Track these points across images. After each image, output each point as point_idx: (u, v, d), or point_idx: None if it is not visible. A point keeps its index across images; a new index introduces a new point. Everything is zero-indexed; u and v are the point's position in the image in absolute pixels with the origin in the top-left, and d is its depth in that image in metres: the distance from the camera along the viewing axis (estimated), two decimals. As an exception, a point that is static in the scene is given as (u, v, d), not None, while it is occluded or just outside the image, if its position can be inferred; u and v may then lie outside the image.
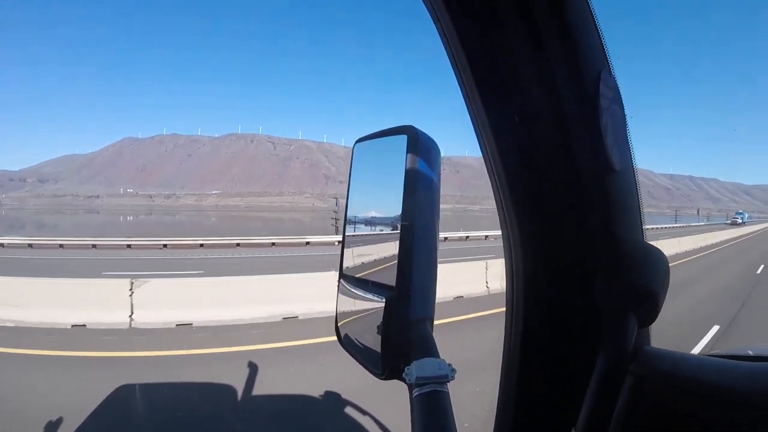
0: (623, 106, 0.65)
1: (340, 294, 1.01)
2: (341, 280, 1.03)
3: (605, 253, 0.66)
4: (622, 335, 0.62)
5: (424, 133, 0.81)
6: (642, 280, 0.63)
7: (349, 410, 5.09)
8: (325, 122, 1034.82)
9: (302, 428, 5.28)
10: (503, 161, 0.71)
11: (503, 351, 0.81)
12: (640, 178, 0.73)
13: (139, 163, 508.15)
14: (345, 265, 1.03)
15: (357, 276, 1.00)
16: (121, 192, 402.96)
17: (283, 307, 9.84)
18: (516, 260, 0.74)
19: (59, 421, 4.61)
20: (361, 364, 0.90)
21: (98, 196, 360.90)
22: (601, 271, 0.65)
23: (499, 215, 0.76)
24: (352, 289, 0.99)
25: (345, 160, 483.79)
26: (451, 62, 0.73)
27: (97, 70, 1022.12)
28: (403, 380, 0.79)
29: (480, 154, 0.75)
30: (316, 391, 5.95)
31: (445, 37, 0.71)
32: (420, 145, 0.81)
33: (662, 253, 0.65)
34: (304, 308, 9.82)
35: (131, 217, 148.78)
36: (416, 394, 0.76)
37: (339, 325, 1.01)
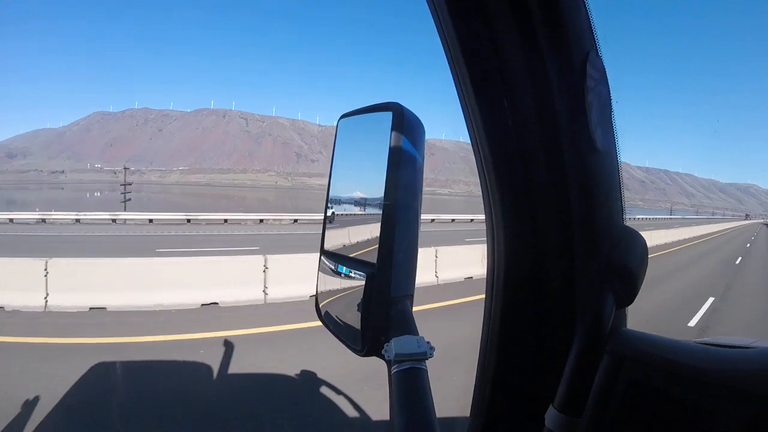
0: (609, 88, 0.67)
1: (320, 272, 1.04)
2: (322, 257, 1.05)
3: (585, 232, 0.68)
4: (599, 313, 0.65)
5: (409, 110, 0.82)
6: (620, 259, 0.66)
7: (324, 390, 5.18)
8: (299, 99, 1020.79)
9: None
10: (489, 141, 0.73)
11: (482, 331, 0.84)
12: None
13: (108, 137, 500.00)
14: (326, 242, 1.04)
15: (338, 253, 1.02)
16: (88, 167, 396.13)
17: (205, 293, 9.20)
18: (498, 242, 0.77)
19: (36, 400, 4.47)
20: (341, 341, 0.93)
21: (62, 172, 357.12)
22: (581, 251, 0.68)
23: (483, 197, 0.80)
24: (333, 267, 1.02)
25: (318, 138, 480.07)
26: (440, 37, 0.74)
27: (70, 42, 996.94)
28: (383, 357, 0.84)
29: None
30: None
31: (435, 12, 0.72)
32: (405, 122, 0.82)
33: (640, 235, 0.68)
34: (226, 295, 9.28)
35: (88, 194, 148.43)
36: (395, 370, 0.79)
37: (319, 302, 1.04)
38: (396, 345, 0.76)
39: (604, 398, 0.62)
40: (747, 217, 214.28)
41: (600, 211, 0.66)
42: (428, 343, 0.77)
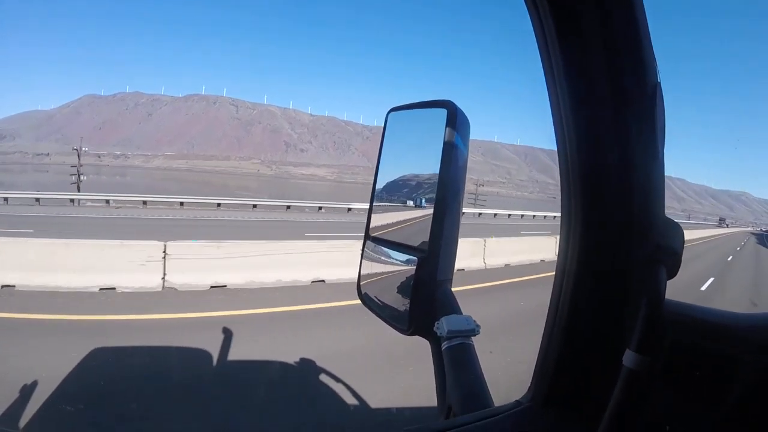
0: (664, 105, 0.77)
1: (363, 257, 1.14)
2: (367, 242, 1.14)
3: (643, 221, 0.80)
4: (656, 283, 0.74)
5: (460, 109, 0.92)
6: (669, 241, 0.77)
7: (323, 377, 5.25)
8: (292, 88, 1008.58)
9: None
10: (578, 149, 0.82)
11: (549, 312, 0.91)
12: None
13: (98, 121, 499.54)
14: (371, 228, 1.13)
15: (385, 239, 1.11)
16: (73, 150, 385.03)
17: (105, 277, 8.82)
18: (574, 230, 0.86)
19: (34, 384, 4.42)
20: (384, 321, 1.03)
21: (48, 154, 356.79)
22: (639, 236, 0.80)
23: (562, 193, 0.88)
24: (377, 251, 1.11)
25: (309, 128, 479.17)
26: (543, 61, 0.83)
27: (61, 22, 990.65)
28: (426, 336, 0.97)
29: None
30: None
31: (542, 35, 0.81)
32: (458, 120, 0.92)
33: (678, 224, 0.79)
34: (126, 280, 8.94)
35: (73, 177, 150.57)
36: (446, 346, 0.91)
37: (361, 285, 1.13)
38: (447, 323, 0.91)
39: (658, 351, 0.74)
40: (721, 222, 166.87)
41: (654, 206, 0.80)
42: (475, 321, 0.93)
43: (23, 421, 3.92)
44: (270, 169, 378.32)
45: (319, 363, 5.97)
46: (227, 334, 6.81)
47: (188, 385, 5.25)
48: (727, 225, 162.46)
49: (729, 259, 29.37)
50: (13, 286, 8.37)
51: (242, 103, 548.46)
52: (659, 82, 0.76)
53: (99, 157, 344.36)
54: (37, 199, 31.67)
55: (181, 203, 34.67)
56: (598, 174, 0.82)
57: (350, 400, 4.59)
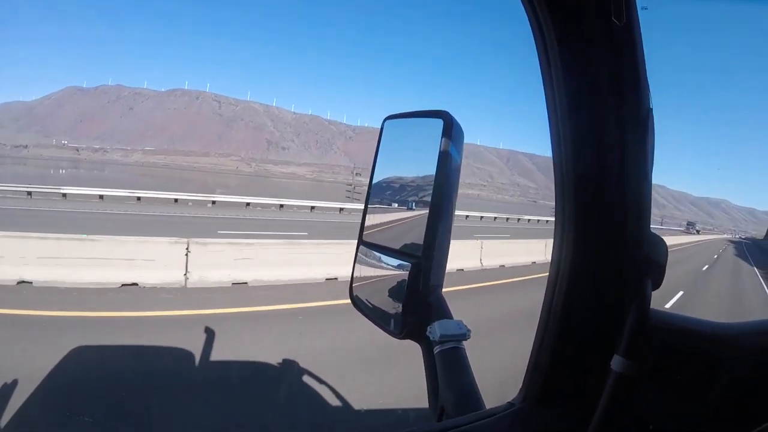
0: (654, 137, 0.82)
1: (356, 260, 1.16)
2: (360, 247, 1.16)
3: (633, 236, 0.84)
4: (644, 294, 0.80)
5: (456, 120, 0.95)
6: (654, 256, 0.82)
7: (307, 379, 5.23)
8: (275, 86, 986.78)
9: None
10: (574, 163, 0.86)
11: (541, 314, 0.96)
12: None
13: (79, 113, 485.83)
14: (364, 233, 1.15)
15: (378, 244, 1.13)
16: (54, 143, 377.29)
17: (128, 273, 9.13)
18: (567, 240, 0.89)
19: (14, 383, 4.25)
20: (376, 324, 1.06)
21: (26, 147, 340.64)
22: (629, 250, 0.84)
23: (556, 203, 0.91)
24: (370, 256, 1.13)
25: (292, 126, 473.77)
26: (544, 80, 0.87)
27: (46, 13, 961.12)
28: (418, 340, 1.00)
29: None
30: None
31: (545, 56, 0.85)
32: (453, 130, 0.95)
33: (662, 239, 0.84)
34: (148, 276, 9.28)
35: (52, 171, 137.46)
36: (438, 350, 0.94)
37: (354, 288, 1.15)
38: (439, 327, 0.94)
39: (645, 355, 0.81)
40: (689, 228, 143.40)
41: (643, 222, 0.84)
42: (466, 326, 0.96)
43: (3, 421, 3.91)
44: (249, 166, 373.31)
45: (328, 354, 6.56)
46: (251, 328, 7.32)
47: (177, 385, 5.40)
48: (697, 231, 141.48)
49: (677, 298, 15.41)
50: (31, 282, 8.57)
51: (225, 99, 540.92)
52: (651, 109, 0.82)
53: (77, 150, 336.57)
54: (29, 193, 31.27)
55: (138, 198, 34.86)
56: (594, 189, 0.89)
57: (336, 402, 4.65)
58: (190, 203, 36.10)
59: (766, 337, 0.85)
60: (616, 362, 0.80)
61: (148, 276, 9.35)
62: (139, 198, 34.67)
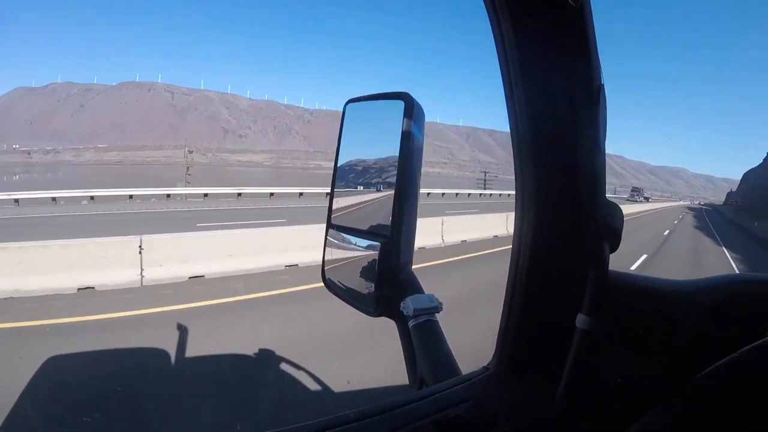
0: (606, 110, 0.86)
1: (326, 244, 1.18)
2: (329, 231, 1.18)
3: (589, 203, 0.88)
4: (602, 257, 0.84)
5: (416, 100, 0.97)
6: (610, 221, 0.86)
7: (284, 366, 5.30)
8: (230, 72, 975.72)
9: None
10: (530, 135, 0.90)
11: (508, 282, 1.00)
12: None
13: (29, 115, 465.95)
14: (333, 216, 1.18)
15: (346, 226, 1.16)
16: (5, 147, 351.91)
17: (82, 277, 8.97)
18: (527, 209, 0.94)
19: None
20: (351, 305, 1.08)
21: None
22: (587, 216, 0.88)
23: (515, 173, 0.94)
24: (339, 238, 1.16)
25: (248, 113, 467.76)
26: (498, 53, 0.89)
27: None
28: (392, 316, 1.04)
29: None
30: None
31: (499, 30, 0.87)
32: (415, 110, 0.97)
33: (618, 205, 0.88)
34: (103, 278, 9.14)
35: (6, 177, 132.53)
36: (413, 324, 0.98)
37: (326, 272, 1.18)
38: (412, 302, 0.98)
39: (607, 313, 0.84)
40: (636, 195, 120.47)
41: (598, 190, 0.88)
42: (437, 299, 1.00)
43: None
44: (205, 157, 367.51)
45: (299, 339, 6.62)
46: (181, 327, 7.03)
47: (158, 382, 5.48)
48: (647, 198, 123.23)
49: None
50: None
51: (178, 89, 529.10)
52: (603, 84, 0.85)
53: (29, 154, 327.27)
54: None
55: (92, 197, 34.12)
56: (549, 160, 0.92)
57: (315, 386, 4.77)
58: (153, 199, 35.43)
59: (718, 291, 0.91)
60: (580, 320, 0.84)
61: (104, 278, 9.14)
62: (92, 197, 33.96)
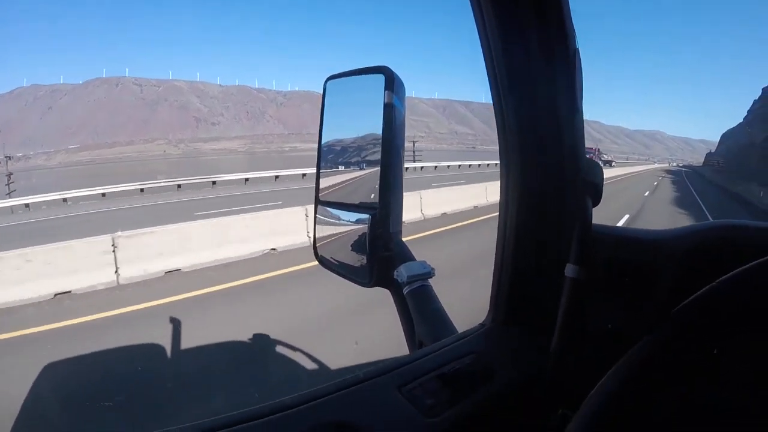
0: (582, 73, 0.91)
1: (316, 221, 1.21)
2: (318, 207, 1.21)
3: (571, 161, 0.94)
4: (585, 211, 0.87)
5: (396, 73, 0.99)
6: (591, 177, 0.90)
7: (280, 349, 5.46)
8: (198, 59, 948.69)
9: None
10: (513, 101, 0.96)
11: (497, 241, 1.06)
12: None
13: None
14: (320, 193, 1.20)
15: (334, 201, 1.19)
16: None
17: (57, 282, 8.88)
18: (512, 175, 0.99)
19: None
20: (345, 278, 1.11)
21: None
22: (570, 173, 0.95)
23: (499, 144, 1.00)
24: (328, 214, 1.19)
25: (219, 99, 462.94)
26: (477, 23, 0.93)
27: None
28: (386, 285, 1.07)
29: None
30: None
31: (480, 13, 0.91)
32: (395, 83, 1.00)
33: (597, 163, 0.93)
34: (78, 281, 9.06)
35: None
36: (408, 290, 1.02)
37: (318, 248, 1.21)
38: (406, 269, 1.01)
39: (593, 262, 0.88)
40: (597, 153, 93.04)
41: (579, 149, 0.94)
42: (429, 264, 1.03)
43: None
44: (177, 148, 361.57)
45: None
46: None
47: (162, 376, 5.59)
48: (611, 164, 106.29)
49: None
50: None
51: (146, 82, 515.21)
52: (578, 49, 0.89)
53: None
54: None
55: (64, 199, 33.53)
56: (531, 122, 0.97)
57: (312, 365, 4.83)
58: (144, 190, 35.60)
59: (696, 237, 0.95)
60: (569, 270, 0.88)
61: (80, 280, 9.09)
62: (65, 199, 33.48)
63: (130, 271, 9.68)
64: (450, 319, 1.05)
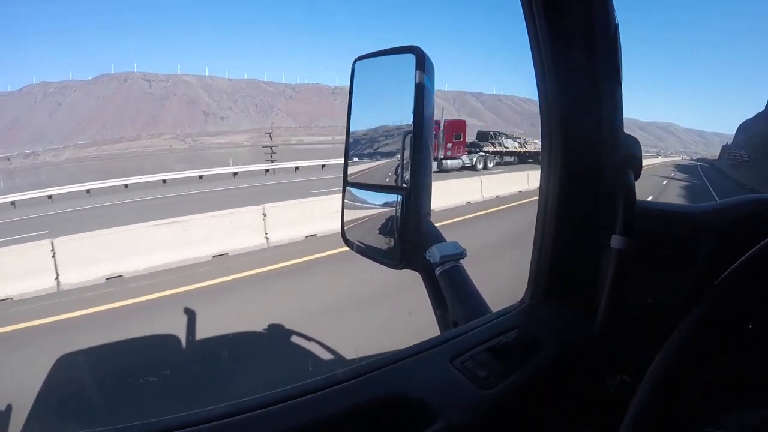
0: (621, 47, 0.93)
1: (344, 205, 1.22)
2: (346, 190, 1.22)
3: (612, 135, 0.96)
4: (629, 183, 0.90)
5: (426, 53, 1.00)
6: (632, 150, 0.93)
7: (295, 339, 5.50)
8: (207, 53, 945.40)
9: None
10: (557, 87, 0.98)
11: (537, 217, 1.08)
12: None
13: (7, 120, 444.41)
14: (349, 175, 1.21)
15: (364, 183, 1.21)
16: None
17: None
18: (554, 151, 1.01)
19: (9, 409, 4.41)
20: (375, 260, 1.13)
21: None
22: (610, 147, 0.97)
23: (541, 124, 1.02)
24: (354, 198, 1.20)
25: (228, 93, 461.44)
26: (528, 25, 0.96)
27: None
28: (416, 267, 1.09)
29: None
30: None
31: (530, 7, 0.94)
32: (426, 63, 1.01)
33: (636, 138, 0.95)
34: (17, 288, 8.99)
35: None
36: (440, 271, 1.03)
37: (346, 231, 1.22)
38: (438, 250, 1.03)
39: (635, 236, 0.90)
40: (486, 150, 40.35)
41: (618, 124, 0.96)
42: (460, 245, 1.05)
43: None
44: (184, 142, 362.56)
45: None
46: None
47: (174, 366, 5.75)
48: None
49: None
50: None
51: (155, 77, 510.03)
52: (617, 24, 0.91)
53: (9, 159, 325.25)
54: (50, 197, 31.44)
55: (49, 196, 32.85)
56: (573, 101, 0.99)
57: (328, 355, 4.93)
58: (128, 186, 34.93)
59: (734, 211, 0.99)
60: (615, 241, 0.90)
61: (18, 287, 9.05)
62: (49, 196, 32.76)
63: (70, 276, 9.54)
64: (483, 299, 1.06)
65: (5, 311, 8.42)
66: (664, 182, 37.92)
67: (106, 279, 9.83)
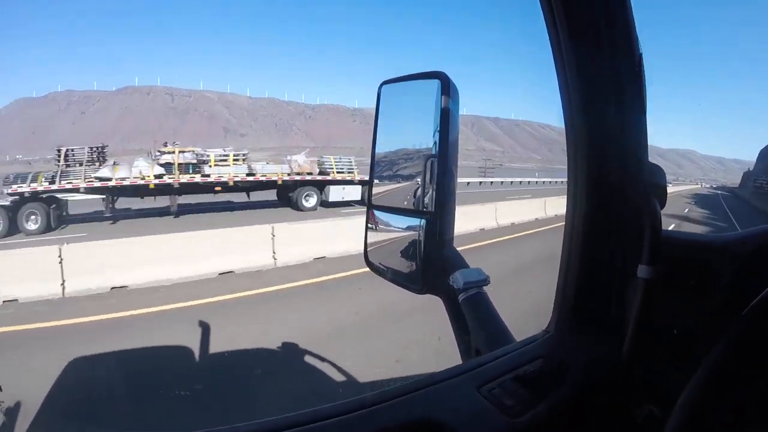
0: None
1: (367, 227, 1.21)
2: (370, 212, 1.21)
3: (637, 164, 0.95)
4: (654, 212, 0.89)
5: (451, 79, 1.01)
6: (657, 179, 0.92)
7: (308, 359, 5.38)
8: (229, 72, 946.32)
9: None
10: (584, 113, 0.97)
11: (563, 246, 1.06)
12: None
13: (31, 125, 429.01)
14: (373, 198, 1.21)
15: (387, 206, 1.20)
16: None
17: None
18: (580, 180, 1.00)
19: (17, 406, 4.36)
20: (397, 284, 1.11)
21: None
22: (635, 176, 0.95)
23: (567, 151, 1.00)
24: (379, 221, 1.19)
25: (249, 111, 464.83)
26: (555, 55, 0.97)
27: None
28: (438, 293, 1.07)
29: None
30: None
31: (553, 23, 0.94)
32: (451, 89, 1.01)
33: (660, 167, 0.94)
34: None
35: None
36: (463, 297, 1.01)
37: (368, 253, 1.21)
38: (462, 276, 1.01)
39: (659, 265, 0.90)
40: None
41: (643, 153, 0.95)
42: (484, 272, 1.03)
43: None
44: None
45: None
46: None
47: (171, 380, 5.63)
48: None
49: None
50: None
51: (177, 92, 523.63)
52: (641, 54, 0.92)
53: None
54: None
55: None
56: (600, 129, 0.98)
57: (340, 377, 4.83)
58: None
59: (754, 240, 0.98)
60: (641, 270, 0.90)
61: (25, 289, 9.07)
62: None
63: (76, 285, 9.47)
64: (507, 327, 1.05)
65: (5, 311, 8.55)
66: (671, 226, 31.43)
67: (112, 288, 9.79)
